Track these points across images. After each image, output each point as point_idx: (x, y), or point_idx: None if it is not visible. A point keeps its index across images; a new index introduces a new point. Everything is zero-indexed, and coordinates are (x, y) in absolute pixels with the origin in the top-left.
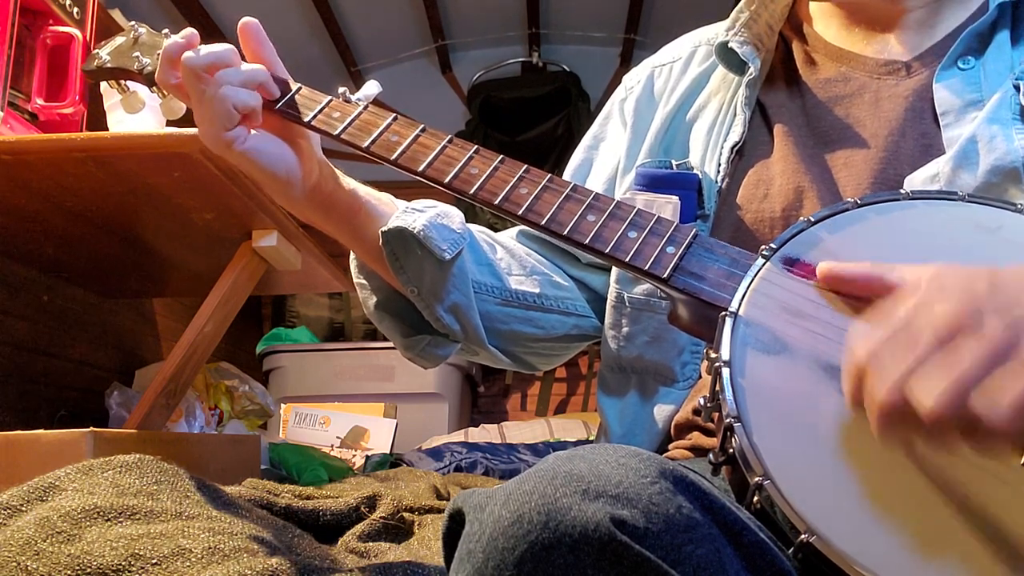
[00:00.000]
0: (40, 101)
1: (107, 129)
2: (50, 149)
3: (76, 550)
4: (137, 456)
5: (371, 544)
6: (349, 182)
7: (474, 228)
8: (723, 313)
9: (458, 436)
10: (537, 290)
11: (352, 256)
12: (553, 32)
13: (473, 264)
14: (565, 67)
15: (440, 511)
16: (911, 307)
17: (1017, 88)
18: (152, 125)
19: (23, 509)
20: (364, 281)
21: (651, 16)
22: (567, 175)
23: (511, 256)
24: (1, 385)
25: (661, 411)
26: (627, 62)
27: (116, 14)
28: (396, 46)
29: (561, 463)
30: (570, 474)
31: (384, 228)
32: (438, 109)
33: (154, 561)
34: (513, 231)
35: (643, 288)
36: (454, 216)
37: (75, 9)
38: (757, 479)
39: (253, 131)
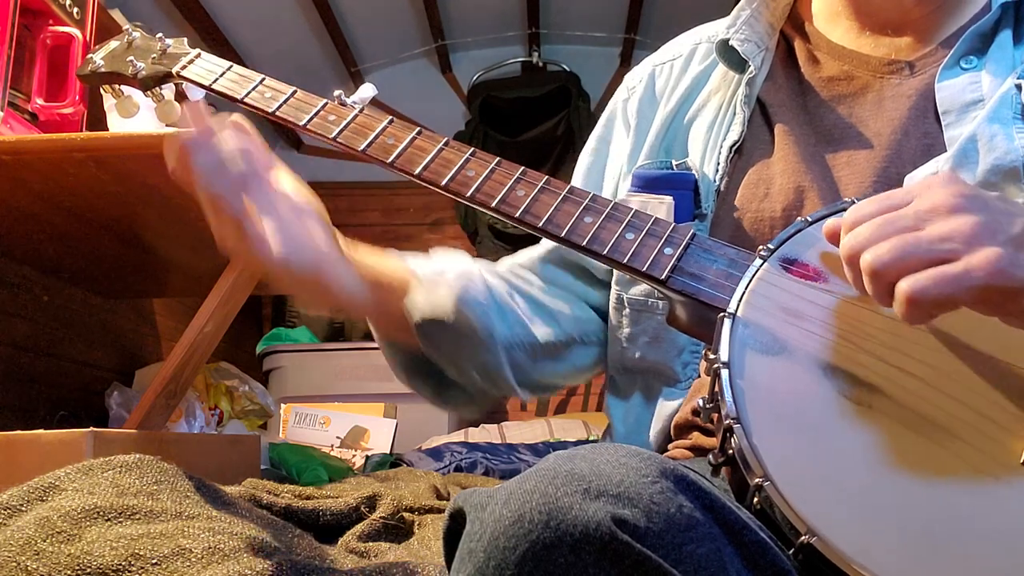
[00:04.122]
0: (40, 101)
1: (107, 129)
2: (50, 149)
3: (76, 550)
4: (137, 456)
5: (371, 544)
6: (367, 272)
7: (488, 271)
8: (721, 314)
9: (458, 436)
10: (562, 331)
11: (370, 323)
12: (553, 32)
13: (500, 323)
14: (565, 67)
15: (440, 511)
16: (915, 187)
17: (1019, 87)
18: (152, 125)
19: (23, 509)
20: (394, 356)
21: (651, 16)
22: (576, 179)
23: (530, 301)
24: (1, 385)
25: (663, 410)
26: (627, 62)
27: (116, 14)
28: (396, 46)
29: (562, 462)
30: (571, 473)
31: (416, 320)
32: (438, 109)
33: (154, 561)
34: (525, 256)
35: (641, 289)
36: (475, 276)
37: (75, 9)
38: (757, 480)
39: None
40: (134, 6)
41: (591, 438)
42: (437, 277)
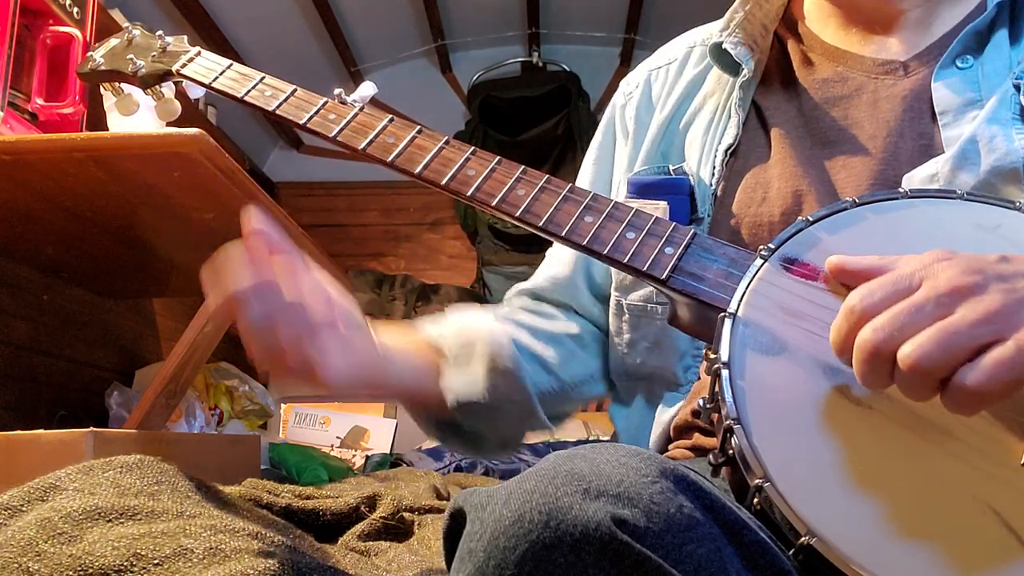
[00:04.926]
0: (40, 101)
1: (107, 129)
2: (50, 149)
3: (77, 551)
4: (138, 456)
5: (371, 543)
6: (400, 360)
7: (510, 322)
8: (722, 314)
9: None
10: (587, 371)
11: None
12: (553, 32)
13: (533, 382)
14: (565, 67)
15: (440, 511)
16: (916, 268)
17: (1017, 88)
18: (152, 125)
19: (24, 510)
20: (431, 427)
21: (651, 16)
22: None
23: (556, 346)
24: (1, 385)
25: (663, 415)
26: (627, 62)
27: (116, 14)
28: (396, 46)
29: (562, 462)
30: (571, 473)
31: (453, 404)
32: (438, 109)
33: (156, 561)
34: (537, 283)
35: (640, 294)
36: (502, 343)
37: (75, 9)
38: (757, 481)
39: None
40: (134, 6)
41: (591, 438)
42: (465, 352)
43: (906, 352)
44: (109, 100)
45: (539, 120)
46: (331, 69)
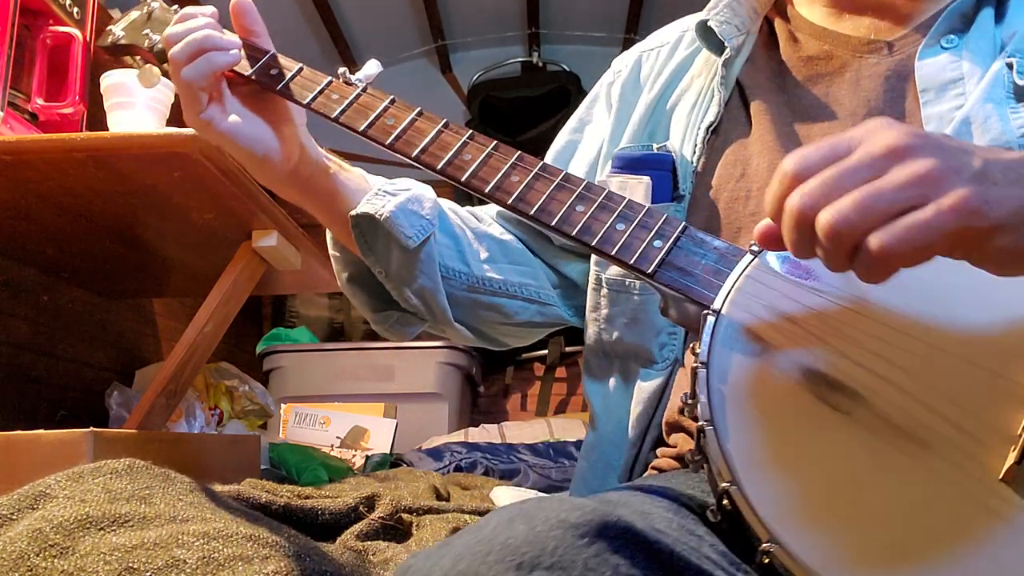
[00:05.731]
0: (40, 101)
1: (107, 129)
2: (50, 149)
3: (69, 565)
4: (128, 461)
5: (369, 543)
6: (330, 163)
7: (446, 206)
8: (705, 311)
9: (458, 436)
10: (502, 277)
11: (327, 229)
12: (553, 32)
13: (442, 248)
14: (565, 67)
15: (440, 512)
16: (858, 132)
17: (1010, 66)
18: (152, 125)
19: (14, 518)
20: (338, 254)
21: (651, 16)
22: (550, 156)
23: (480, 240)
24: (1, 385)
25: (641, 391)
26: None
27: (116, 14)
28: (396, 46)
29: (501, 529)
30: (506, 545)
31: (353, 212)
32: (438, 109)
33: (148, 574)
34: (493, 209)
35: (618, 269)
36: (425, 199)
37: (75, 9)
38: (724, 484)
39: (234, 114)
40: (134, 5)
41: None
42: (391, 189)
43: (824, 217)
44: (109, 100)
45: (539, 120)
46: (331, 70)
